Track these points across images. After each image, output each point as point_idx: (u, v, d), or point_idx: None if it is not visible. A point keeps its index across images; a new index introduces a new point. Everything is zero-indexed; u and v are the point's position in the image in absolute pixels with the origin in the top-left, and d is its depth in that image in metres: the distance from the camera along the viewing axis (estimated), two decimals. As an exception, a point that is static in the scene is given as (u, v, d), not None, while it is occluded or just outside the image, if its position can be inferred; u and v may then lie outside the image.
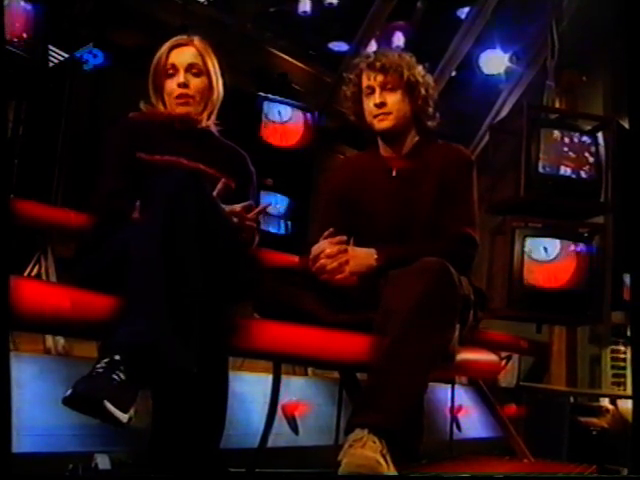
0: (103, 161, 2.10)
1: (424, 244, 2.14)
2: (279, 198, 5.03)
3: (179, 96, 2.14)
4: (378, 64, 2.26)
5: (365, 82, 2.28)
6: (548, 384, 4.55)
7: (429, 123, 2.34)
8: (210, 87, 2.20)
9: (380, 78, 2.25)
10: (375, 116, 2.26)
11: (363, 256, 2.09)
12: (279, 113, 4.97)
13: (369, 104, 2.28)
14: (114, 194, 1.98)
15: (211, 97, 2.21)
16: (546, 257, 4.13)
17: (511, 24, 5.64)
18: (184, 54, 2.17)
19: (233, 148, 2.27)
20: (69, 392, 1.52)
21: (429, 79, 2.33)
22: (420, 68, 2.31)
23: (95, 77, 4.46)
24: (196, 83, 2.16)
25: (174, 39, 2.19)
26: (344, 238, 2.10)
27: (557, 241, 4.15)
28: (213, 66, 2.20)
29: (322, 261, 2.07)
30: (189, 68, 2.16)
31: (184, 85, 2.14)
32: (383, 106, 2.25)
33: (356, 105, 2.33)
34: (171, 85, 2.15)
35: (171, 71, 2.15)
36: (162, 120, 2.16)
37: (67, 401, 1.53)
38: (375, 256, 2.08)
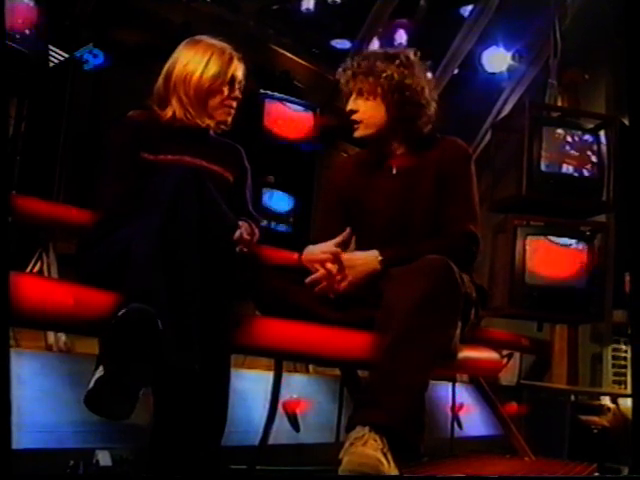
0: (107, 161, 2.09)
1: (427, 242, 2.13)
2: (281, 195, 5.03)
3: (229, 106, 2.18)
4: (349, 72, 2.23)
5: (345, 87, 2.26)
6: (549, 382, 4.56)
7: (424, 125, 2.26)
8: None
9: (354, 84, 2.22)
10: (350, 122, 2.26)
11: (363, 263, 2.08)
12: (286, 111, 4.97)
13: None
14: (120, 195, 1.98)
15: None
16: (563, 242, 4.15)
17: (514, 22, 5.63)
18: (241, 70, 2.20)
19: (230, 144, 2.28)
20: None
21: (422, 82, 2.23)
22: (412, 70, 2.22)
23: (96, 74, 4.46)
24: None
25: (232, 50, 2.19)
26: (339, 251, 2.09)
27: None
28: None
29: (319, 274, 2.06)
30: (241, 85, 2.20)
31: (237, 99, 2.19)
32: (353, 113, 2.23)
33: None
34: (226, 94, 2.16)
35: (232, 83, 2.17)
36: (165, 119, 2.16)
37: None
38: (379, 258, 2.08)
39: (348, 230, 2.11)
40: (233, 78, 2.17)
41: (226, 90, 2.16)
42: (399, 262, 2.02)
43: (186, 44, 2.19)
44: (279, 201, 4.98)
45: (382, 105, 2.21)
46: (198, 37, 2.21)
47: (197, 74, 2.13)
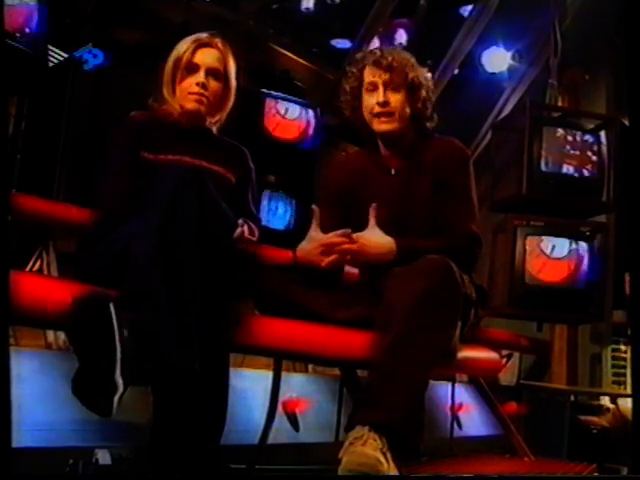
0: (108, 161, 2.09)
1: (436, 240, 2.13)
2: (281, 195, 5.03)
3: (194, 93, 2.13)
4: (384, 62, 2.22)
5: (368, 78, 2.24)
6: (549, 382, 4.56)
7: (427, 124, 2.33)
8: (225, 93, 2.20)
9: (385, 76, 2.22)
10: (376, 115, 2.24)
11: (379, 240, 2.09)
12: (286, 110, 4.97)
13: (370, 101, 2.24)
14: (120, 195, 1.98)
15: (224, 103, 2.22)
16: (554, 254, 4.13)
17: (514, 22, 5.63)
18: (209, 55, 2.16)
19: (233, 144, 2.28)
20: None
21: (430, 82, 2.32)
22: (424, 70, 2.30)
23: (97, 74, 4.46)
24: (214, 86, 2.16)
25: (198, 37, 2.18)
26: (349, 230, 2.10)
27: (566, 240, 4.15)
28: (232, 72, 2.21)
29: (335, 239, 2.08)
30: (211, 71, 2.15)
31: (203, 85, 2.13)
32: (386, 105, 2.22)
33: (354, 100, 2.30)
34: (189, 82, 2.14)
35: (193, 69, 2.14)
36: (166, 119, 2.16)
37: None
38: (395, 244, 2.08)
39: (314, 208, 2.14)
40: (195, 64, 2.14)
41: (187, 75, 2.14)
42: (411, 252, 2.02)
43: None
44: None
45: (407, 100, 2.24)
46: None
47: (167, 65, 2.16)
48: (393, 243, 2.09)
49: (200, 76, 2.13)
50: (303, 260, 2.12)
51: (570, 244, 4.15)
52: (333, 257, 2.07)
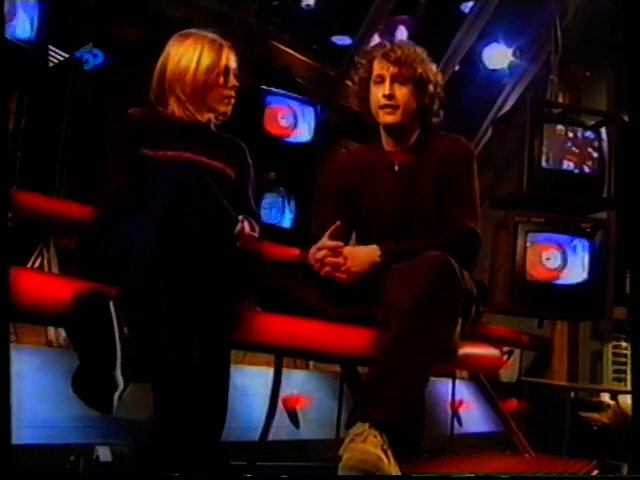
0: (108, 158, 2.09)
1: (428, 238, 2.14)
2: (282, 191, 5.02)
3: (228, 97, 2.17)
4: (393, 55, 2.23)
5: (377, 70, 2.25)
6: (549, 379, 4.56)
7: (433, 119, 2.32)
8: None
9: (393, 69, 2.22)
10: (382, 107, 2.24)
11: (364, 255, 2.08)
12: (286, 107, 4.96)
13: (377, 93, 2.25)
14: (120, 191, 1.98)
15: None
16: (552, 265, 4.13)
17: (515, 18, 5.62)
18: (232, 58, 2.18)
19: (232, 140, 2.27)
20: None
21: (439, 77, 2.31)
22: (433, 65, 2.29)
23: (98, 71, 4.46)
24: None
25: (219, 40, 2.18)
26: (341, 244, 2.10)
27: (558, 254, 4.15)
28: (236, 69, 2.21)
29: (320, 253, 2.07)
30: (233, 72, 2.18)
31: (232, 87, 2.18)
32: (392, 98, 2.22)
33: (362, 91, 2.30)
34: (224, 86, 2.16)
35: (226, 73, 2.16)
36: (165, 116, 2.16)
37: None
38: (379, 252, 2.08)
39: (338, 223, 2.12)
40: (227, 68, 2.15)
41: (222, 80, 2.15)
42: (398, 256, 2.02)
43: (175, 39, 2.17)
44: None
45: (413, 94, 2.24)
46: (186, 31, 2.20)
47: (191, 70, 2.12)
48: (376, 249, 2.09)
49: (232, 80, 2.17)
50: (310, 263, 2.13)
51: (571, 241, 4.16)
52: (327, 269, 2.07)
